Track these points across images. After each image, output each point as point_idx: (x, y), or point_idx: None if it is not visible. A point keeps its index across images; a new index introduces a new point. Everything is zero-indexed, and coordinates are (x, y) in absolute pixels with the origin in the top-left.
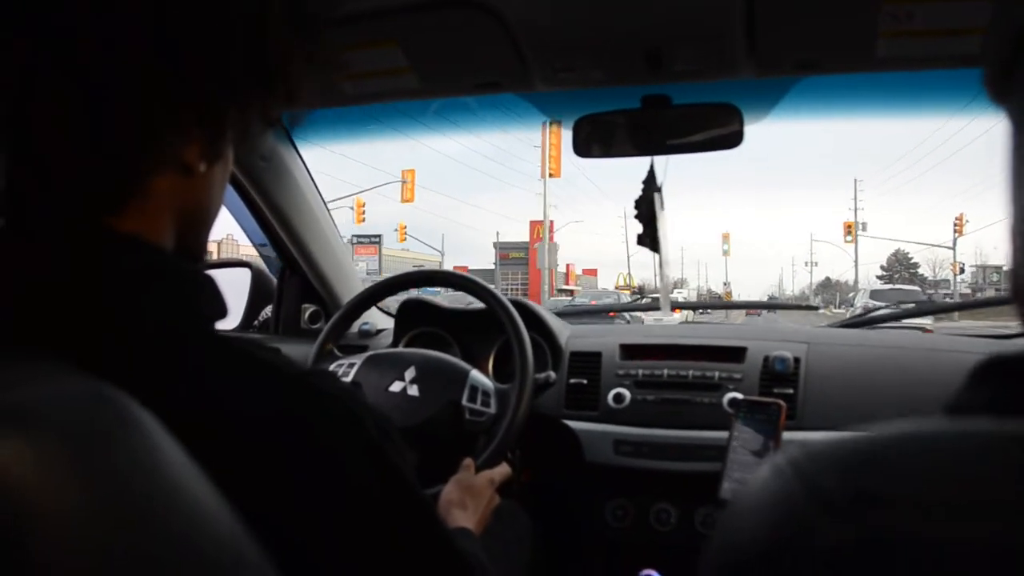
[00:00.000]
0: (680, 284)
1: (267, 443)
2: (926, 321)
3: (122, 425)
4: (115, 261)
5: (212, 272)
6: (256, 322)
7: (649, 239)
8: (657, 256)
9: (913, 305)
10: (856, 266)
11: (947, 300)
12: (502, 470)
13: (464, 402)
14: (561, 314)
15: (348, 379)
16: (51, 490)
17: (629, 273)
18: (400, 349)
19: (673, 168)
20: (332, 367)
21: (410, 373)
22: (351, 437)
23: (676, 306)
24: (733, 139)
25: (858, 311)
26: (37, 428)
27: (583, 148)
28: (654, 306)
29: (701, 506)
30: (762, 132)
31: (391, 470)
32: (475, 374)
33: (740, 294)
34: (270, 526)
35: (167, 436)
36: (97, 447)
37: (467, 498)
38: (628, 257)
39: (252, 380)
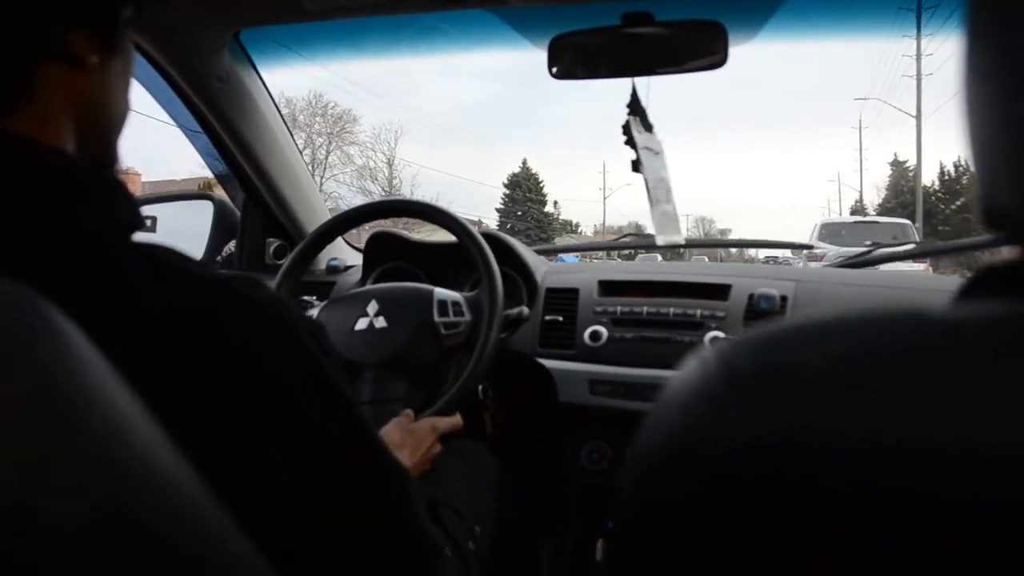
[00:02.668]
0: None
1: (191, 353)
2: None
3: (42, 327)
4: (12, 164)
5: (171, 204)
6: (219, 258)
7: (635, 164)
8: (646, 182)
9: (914, 245)
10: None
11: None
12: (449, 420)
13: (436, 319)
14: (541, 252)
15: None
16: None
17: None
18: (358, 288)
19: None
20: None
21: (372, 307)
22: (282, 345)
23: (669, 245)
24: (717, 60)
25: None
26: None
27: (560, 70)
28: (648, 243)
29: None
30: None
31: (325, 378)
32: (439, 290)
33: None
34: (199, 440)
35: (87, 341)
36: (17, 347)
37: (407, 439)
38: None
39: (172, 288)
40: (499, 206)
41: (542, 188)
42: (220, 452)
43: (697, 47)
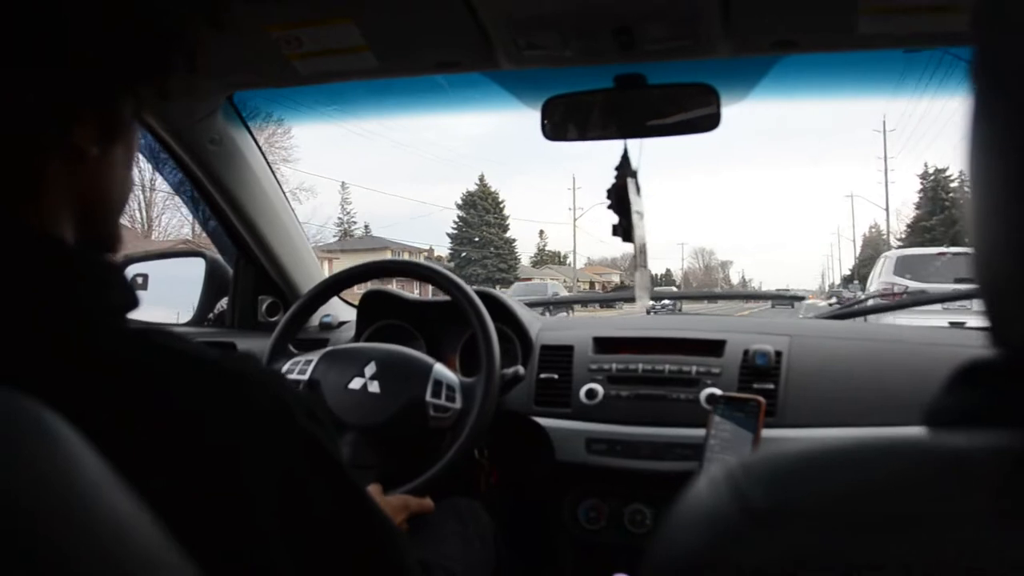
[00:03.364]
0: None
1: (188, 439)
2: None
3: (34, 435)
4: (9, 255)
5: (163, 261)
6: (211, 315)
7: (623, 229)
8: (634, 246)
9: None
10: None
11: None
12: (421, 501)
13: (428, 398)
14: (533, 305)
15: (305, 377)
16: None
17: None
18: (360, 344)
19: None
20: (288, 365)
21: (370, 369)
22: (279, 426)
23: (653, 297)
24: (710, 121)
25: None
26: None
27: (553, 131)
28: (628, 296)
29: None
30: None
31: (324, 457)
32: (439, 368)
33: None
34: (199, 526)
35: (81, 443)
36: (13, 456)
37: None
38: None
39: (167, 373)
40: (451, 230)
41: (502, 208)
42: (220, 533)
43: (690, 109)
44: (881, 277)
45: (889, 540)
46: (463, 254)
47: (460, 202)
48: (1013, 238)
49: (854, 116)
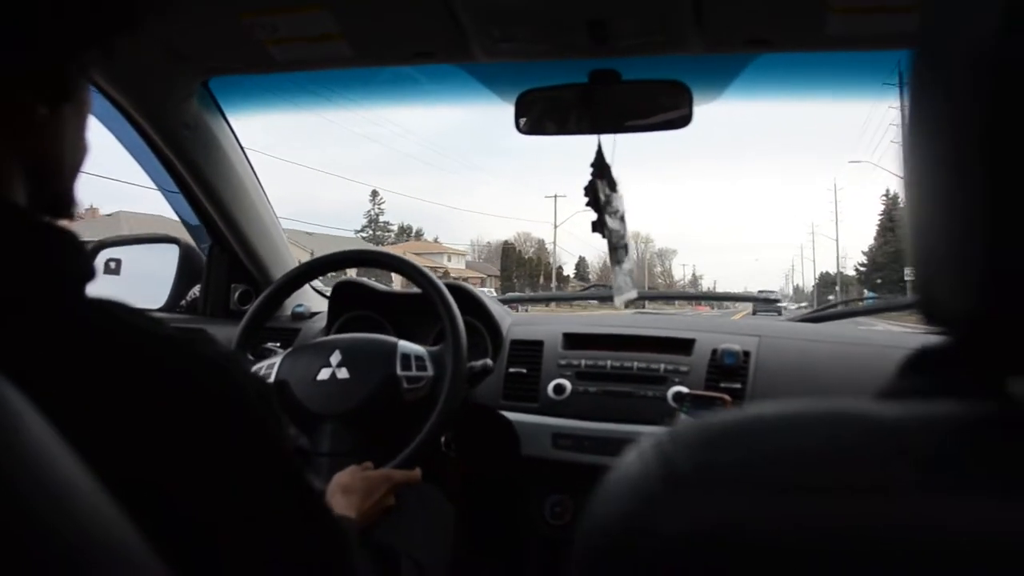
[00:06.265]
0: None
1: (137, 408)
2: None
3: None
4: None
5: (136, 247)
6: (183, 302)
7: (602, 225)
8: (609, 243)
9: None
10: None
11: None
12: (405, 472)
13: (399, 372)
14: (505, 302)
15: (271, 380)
16: None
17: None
18: (322, 338)
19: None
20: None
21: (335, 357)
22: (228, 403)
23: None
24: (681, 119)
25: None
26: None
27: (526, 125)
28: (606, 295)
29: None
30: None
31: (269, 439)
32: (404, 343)
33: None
34: (141, 495)
35: (28, 407)
36: None
37: (356, 484)
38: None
39: (120, 346)
40: None
41: None
42: (162, 506)
43: (662, 106)
44: None
45: (813, 503)
46: None
47: None
48: (944, 221)
49: (829, 121)
